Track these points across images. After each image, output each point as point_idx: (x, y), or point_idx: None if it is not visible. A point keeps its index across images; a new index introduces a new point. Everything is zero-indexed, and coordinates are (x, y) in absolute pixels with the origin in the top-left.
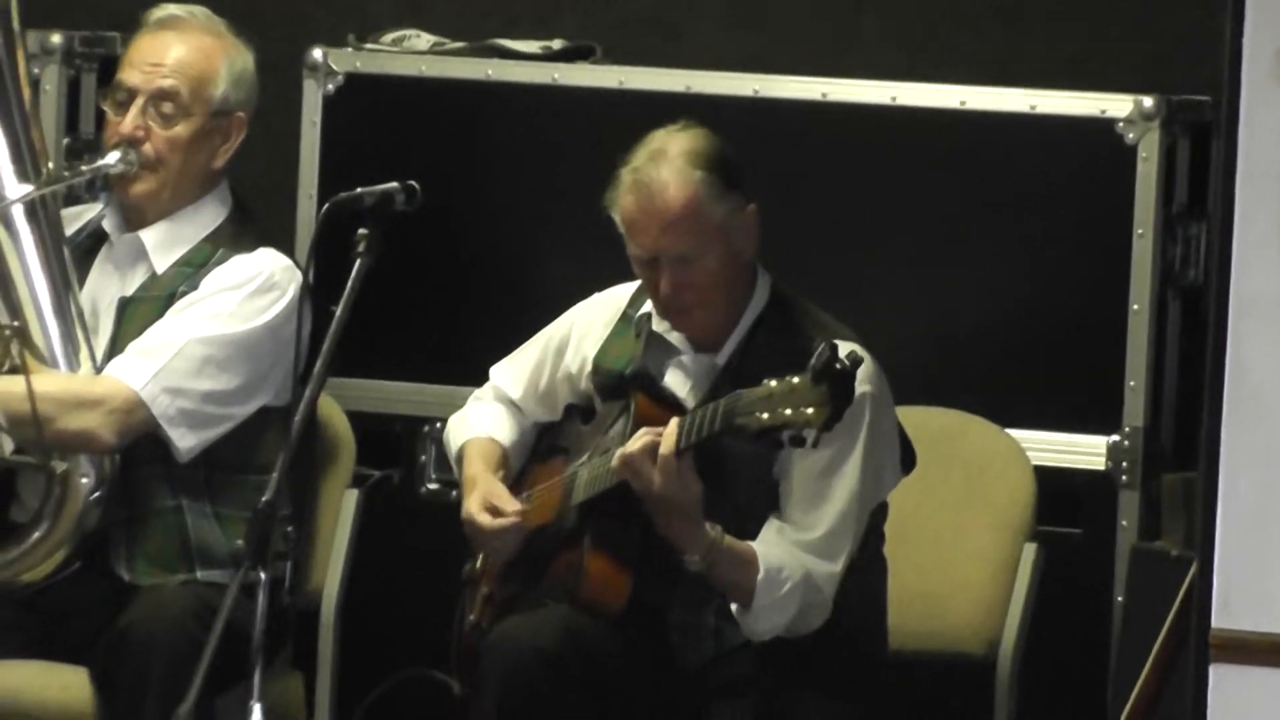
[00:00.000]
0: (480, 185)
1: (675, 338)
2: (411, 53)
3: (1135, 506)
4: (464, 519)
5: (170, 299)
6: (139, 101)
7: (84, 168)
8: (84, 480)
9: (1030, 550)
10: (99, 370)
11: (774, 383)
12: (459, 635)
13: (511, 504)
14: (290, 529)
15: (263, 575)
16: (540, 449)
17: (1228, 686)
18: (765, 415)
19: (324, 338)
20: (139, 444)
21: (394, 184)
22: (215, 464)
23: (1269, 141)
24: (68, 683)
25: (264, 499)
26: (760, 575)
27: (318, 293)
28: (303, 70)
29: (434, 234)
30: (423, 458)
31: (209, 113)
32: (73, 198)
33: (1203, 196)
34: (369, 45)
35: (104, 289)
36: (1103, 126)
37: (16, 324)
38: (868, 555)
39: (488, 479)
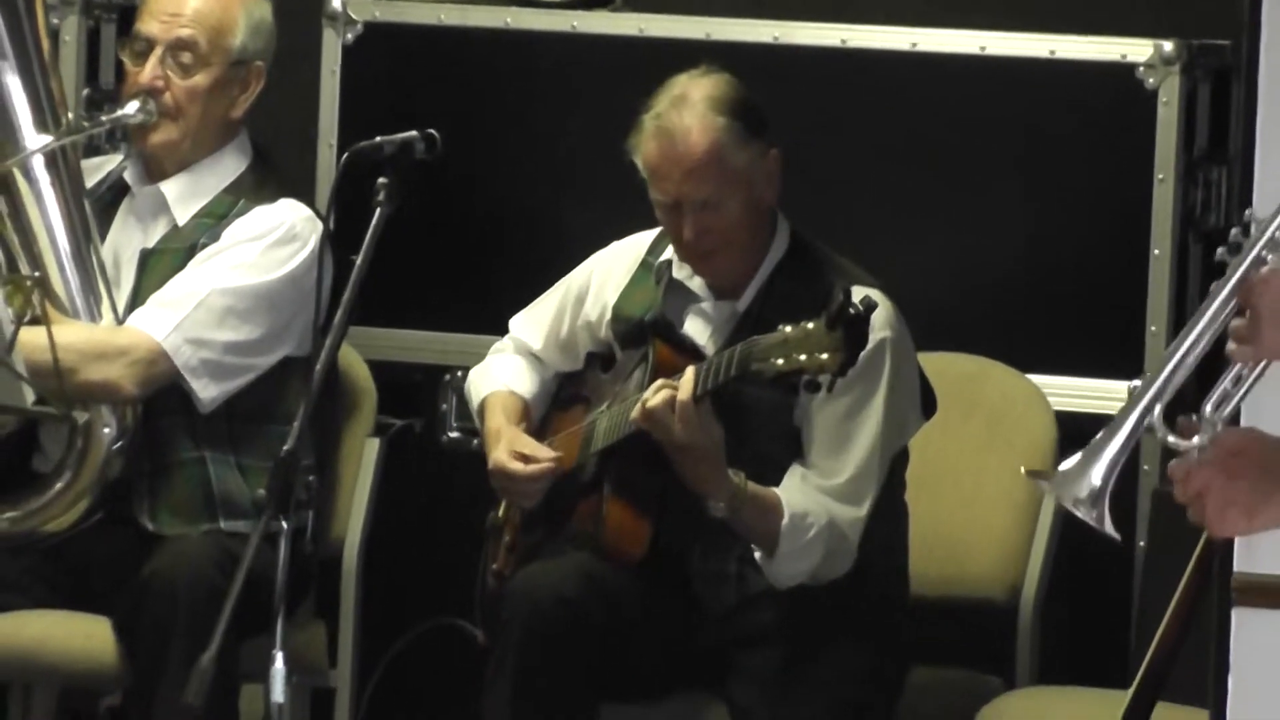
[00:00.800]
0: (499, 133)
1: (696, 284)
2: (430, 1)
3: (1157, 451)
4: (493, 469)
5: (192, 250)
6: (157, 51)
7: (103, 118)
8: (106, 431)
9: (1052, 496)
10: (120, 322)
11: (789, 328)
12: (482, 584)
13: (542, 451)
14: (312, 478)
15: (285, 524)
16: (560, 397)
17: (1251, 630)
18: (780, 361)
19: (345, 287)
20: (161, 395)
21: (414, 133)
22: (237, 414)
23: None
24: (91, 632)
25: (286, 448)
26: (785, 521)
27: (338, 242)
28: (322, 19)
29: (454, 182)
30: (444, 406)
31: (227, 62)
32: (93, 148)
33: (1223, 141)
34: None
35: (126, 241)
36: (1123, 71)
37: (37, 275)
38: (889, 502)
39: (511, 429)
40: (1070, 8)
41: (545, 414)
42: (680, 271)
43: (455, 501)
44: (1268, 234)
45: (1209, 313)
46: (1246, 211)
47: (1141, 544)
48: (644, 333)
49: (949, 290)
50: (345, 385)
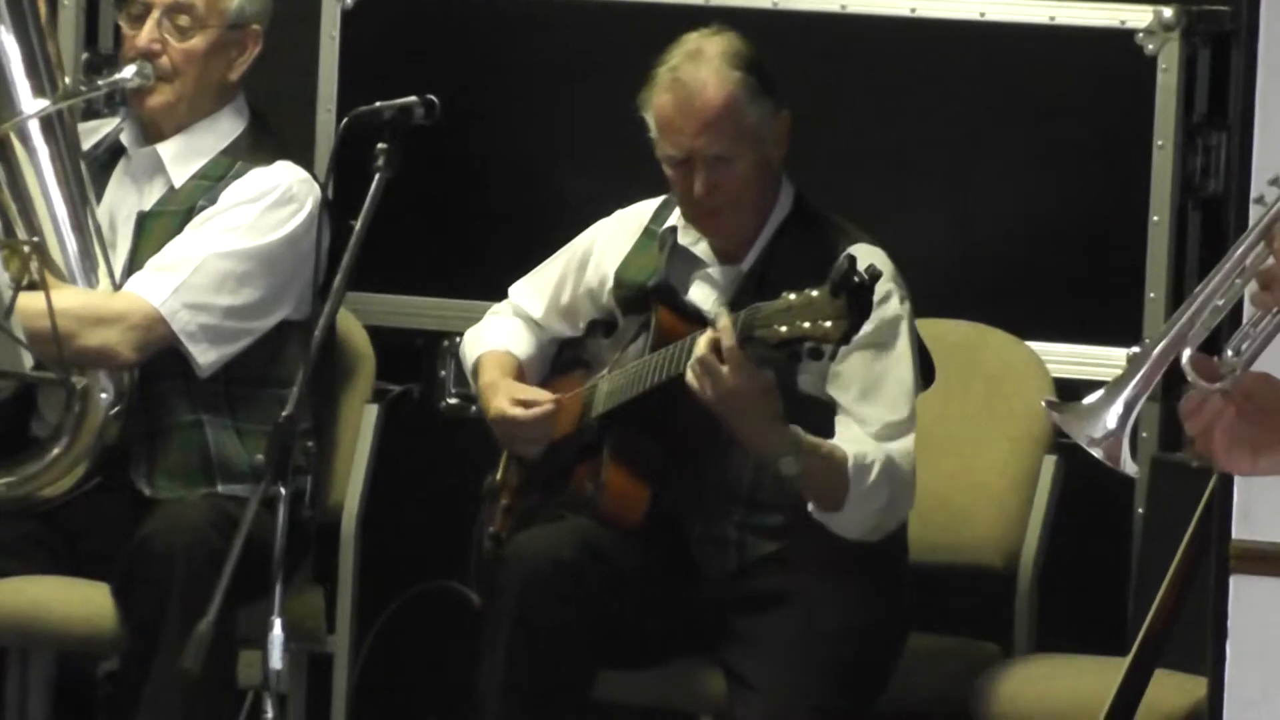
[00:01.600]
0: (499, 98)
1: (701, 249)
2: None
3: (1155, 418)
4: (494, 418)
5: (189, 213)
6: (154, 15)
7: (100, 82)
8: (103, 395)
9: (1050, 462)
10: (118, 286)
11: (792, 295)
12: (478, 547)
13: (542, 394)
14: (310, 443)
15: (283, 489)
16: (560, 362)
17: (1248, 597)
18: (783, 328)
19: (343, 252)
20: (159, 359)
21: (413, 97)
22: (235, 378)
23: None
24: (89, 597)
25: (284, 413)
26: (850, 463)
27: (337, 207)
28: None
29: (453, 148)
30: (442, 372)
31: (224, 25)
32: (92, 112)
33: (1223, 107)
34: None
35: (121, 203)
36: (1122, 37)
37: (35, 240)
38: None
39: (508, 380)
40: None
41: (544, 378)
42: (685, 237)
43: (453, 467)
44: None
45: (1235, 257)
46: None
47: (1140, 511)
48: (646, 299)
49: (948, 257)
50: (344, 350)
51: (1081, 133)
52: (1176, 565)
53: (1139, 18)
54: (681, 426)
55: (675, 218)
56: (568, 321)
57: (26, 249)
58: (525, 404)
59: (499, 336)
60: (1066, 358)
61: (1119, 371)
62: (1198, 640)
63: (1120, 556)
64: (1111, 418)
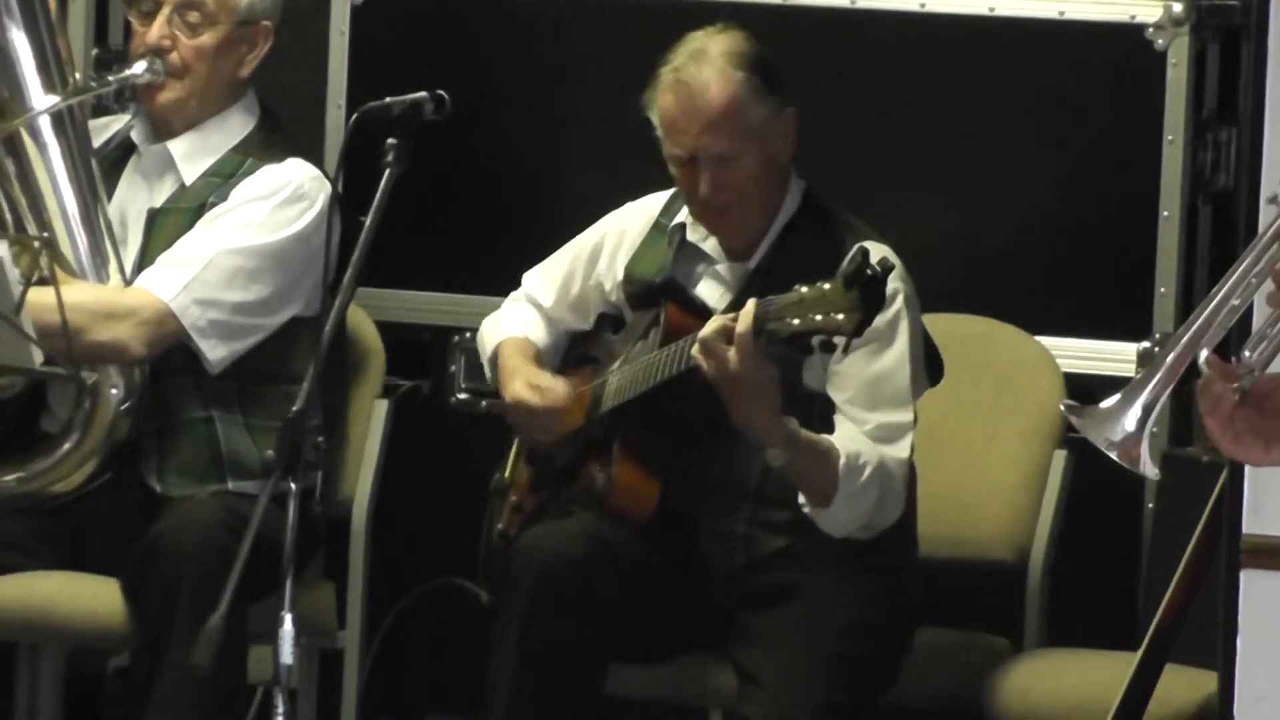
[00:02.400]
0: (509, 94)
1: (710, 246)
2: None
3: (1166, 413)
4: (510, 402)
5: (199, 210)
6: (165, 11)
7: (110, 78)
8: (114, 391)
9: (1060, 457)
10: (128, 282)
11: (805, 288)
12: (487, 544)
13: (559, 383)
14: (321, 439)
15: (293, 485)
16: (570, 357)
17: (1259, 592)
18: (796, 321)
19: (353, 248)
20: (169, 355)
21: (423, 93)
22: (246, 375)
23: None
24: (98, 593)
25: (294, 409)
26: (842, 462)
27: (347, 203)
28: None
29: (463, 143)
30: (452, 368)
31: (235, 21)
32: (102, 108)
33: (1233, 101)
34: None
35: (132, 200)
36: (1132, 32)
37: (45, 235)
38: None
39: (528, 366)
40: None
41: (556, 371)
42: (694, 234)
43: (463, 463)
44: None
45: (1251, 256)
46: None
47: (1150, 506)
48: (655, 295)
49: (957, 252)
50: (354, 346)
51: (1091, 128)
52: (1187, 560)
53: (1149, 12)
54: (690, 422)
55: (684, 214)
56: (576, 314)
57: (37, 244)
58: (541, 390)
59: (517, 323)
60: (1077, 353)
61: (1130, 366)
62: (1208, 635)
63: (1131, 551)
64: (1130, 420)
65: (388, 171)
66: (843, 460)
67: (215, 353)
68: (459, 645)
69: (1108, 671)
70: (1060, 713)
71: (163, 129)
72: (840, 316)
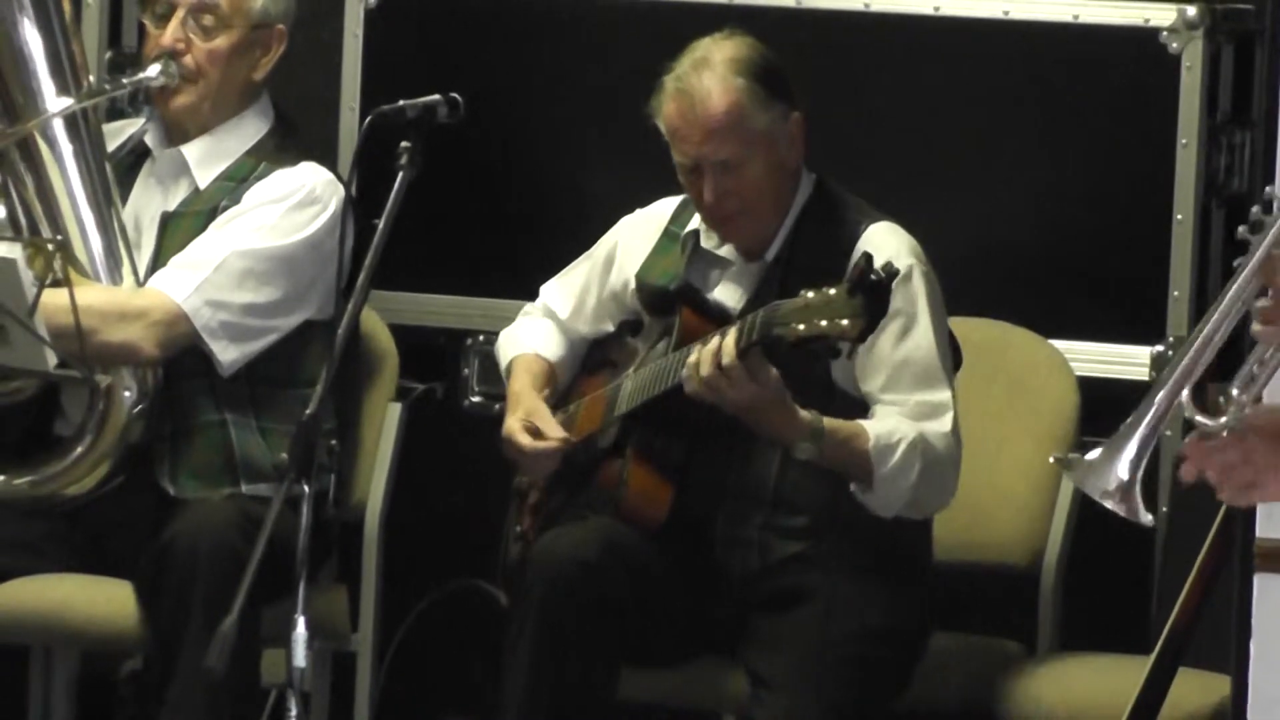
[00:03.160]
0: (522, 97)
1: (725, 251)
2: None
3: (1180, 416)
4: (504, 436)
5: (213, 213)
6: (179, 14)
7: (124, 80)
8: (127, 394)
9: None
10: (141, 285)
11: (810, 293)
12: (506, 546)
13: (553, 428)
14: (334, 442)
15: (306, 488)
16: (589, 361)
17: (1272, 595)
18: (801, 326)
19: (367, 251)
20: (182, 358)
21: (436, 96)
22: (259, 378)
23: None
24: (112, 596)
25: (308, 412)
26: (871, 442)
27: (360, 206)
28: None
29: (477, 146)
30: (466, 371)
31: (249, 25)
32: (116, 112)
33: (1247, 105)
34: None
35: (146, 204)
36: (1146, 36)
37: (59, 238)
38: None
39: (531, 398)
40: None
41: (575, 378)
42: (708, 241)
43: (476, 466)
44: None
45: (1231, 292)
46: (1268, 189)
47: (1164, 510)
48: (670, 301)
49: (971, 255)
50: (367, 349)
51: (1105, 131)
52: (1200, 563)
53: (1163, 16)
54: (704, 426)
55: (696, 220)
56: (596, 324)
57: (51, 247)
58: (535, 432)
59: (531, 339)
60: (1090, 356)
61: (1143, 370)
62: (1221, 638)
63: (1144, 555)
64: (1123, 468)
65: (401, 174)
66: (872, 441)
67: (227, 354)
68: (472, 649)
69: (1121, 676)
70: (1074, 717)
71: (177, 133)
72: (845, 322)
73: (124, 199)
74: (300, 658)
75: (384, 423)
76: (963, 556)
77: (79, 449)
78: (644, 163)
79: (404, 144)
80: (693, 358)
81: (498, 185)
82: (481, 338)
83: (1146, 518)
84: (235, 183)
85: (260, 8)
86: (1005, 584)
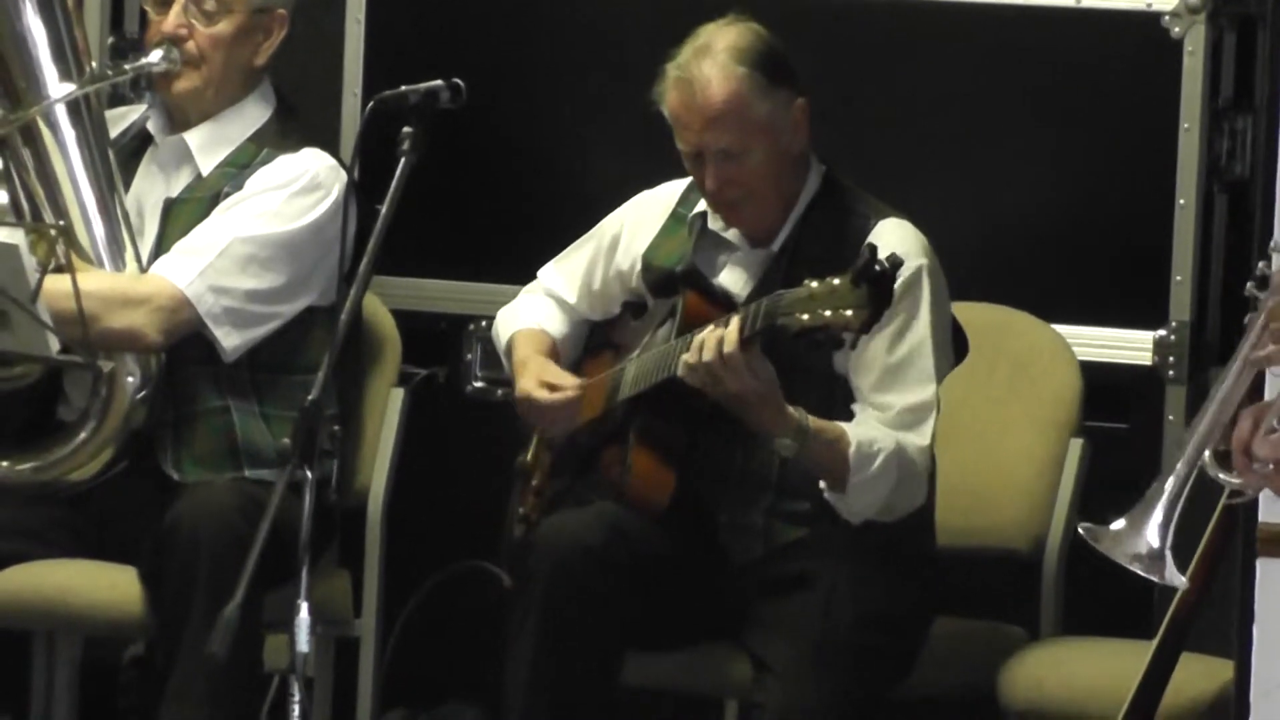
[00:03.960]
0: (525, 82)
1: (732, 234)
2: None
3: (1182, 401)
4: (519, 398)
5: (215, 199)
6: None
7: (126, 66)
8: (130, 379)
9: (1076, 446)
10: (144, 271)
11: (814, 283)
12: (510, 527)
13: (568, 379)
14: (336, 428)
15: (309, 474)
16: (591, 344)
17: (1275, 581)
18: (805, 316)
19: (369, 236)
20: (185, 344)
21: (439, 81)
22: (261, 364)
23: None
24: (115, 581)
25: (310, 398)
26: (852, 449)
27: (362, 191)
28: None
29: (479, 132)
30: (468, 356)
31: (250, 9)
32: (119, 98)
33: (1249, 90)
34: None
35: (149, 191)
36: (1148, 20)
37: (61, 223)
38: None
39: (539, 360)
40: None
41: (577, 359)
42: (715, 223)
43: (479, 451)
44: None
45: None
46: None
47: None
48: (675, 283)
49: (974, 240)
50: (369, 335)
51: (1108, 116)
52: (1203, 549)
53: (1165, 1)
54: (708, 411)
55: (704, 203)
56: (600, 305)
57: (53, 232)
58: (551, 386)
59: (533, 315)
60: (1093, 341)
61: (1145, 354)
62: (1224, 623)
63: None
64: (1152, 535)
65: (404, 160)
66: (853, 448)
67: (229, 340)
68: (475, 633)
69: (1123, 660)
70: (1076, 702)
71: (179, 119)
72: (849, 312)
73: (127, 186)
74: (303, 643)
75: (386, 408)
76: (965, 542)
77: (82, 434)
78: (647, 147)
79: (406, 129)
80: (695, 342)
81: (500, 170)
82: (484, 323)
83: (1179, 580)
84: (238, 169)
85: None
86: (1008, 569)
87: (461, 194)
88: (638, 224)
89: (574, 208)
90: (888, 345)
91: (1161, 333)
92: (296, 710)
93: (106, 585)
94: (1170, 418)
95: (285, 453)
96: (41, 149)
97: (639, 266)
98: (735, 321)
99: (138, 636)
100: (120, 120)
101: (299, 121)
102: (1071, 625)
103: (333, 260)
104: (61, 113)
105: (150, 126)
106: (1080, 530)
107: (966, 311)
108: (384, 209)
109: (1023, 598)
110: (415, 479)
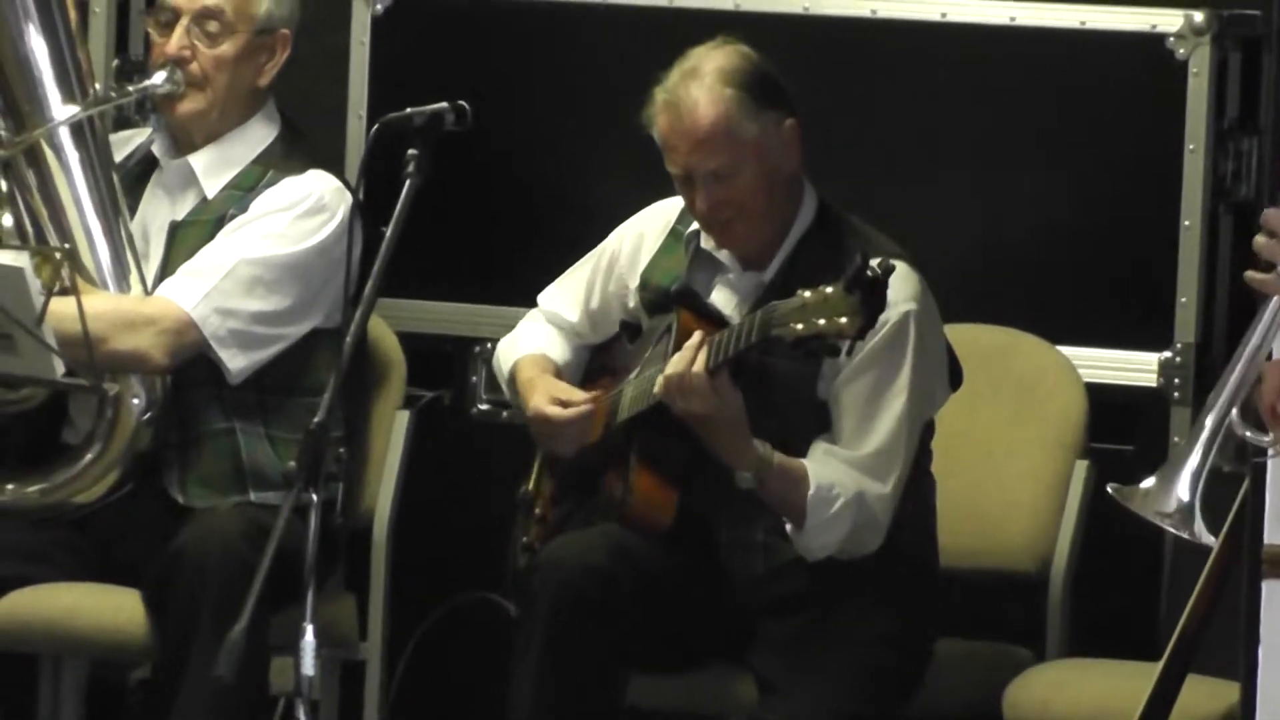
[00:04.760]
0: (529, 104)
1: (724, 255)
2: None
3: (1187, 423)
4: (533, 416)
5: (220, 222)
6: (183, 21)
7: (130, 88)
8: (135, 402)
9: (1082, 468)
10: (149, 293)
11: (807, 293)
12: (514, 557)
13: (579, 394)
14: (342, 450)
15: (315, 497)
16: (590, 370)
17: None
18: (800, 325)
19: (374, 259)
20: (191, 366)
21: (444, 104)
22: (267, 386)
23: None
24: (121, 604)
25: (315, 420)
26: (811, 491)
27: (367, 214)
28: None
29: (484, 154)
30: (473, 378)
31: (253, 30)
32: (124, 120)
33: (1254, 111)
34: None
35: (154, 214)
36: (1153, 41)
37: (67, 246)
38: (916, 472)
39: (547, 379)
40: None
41: (576, 385)
42: (708, 242)
43: (485, 474)
44: None
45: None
46: None
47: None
48: (669, 302)
49: (979, 261)
50: (375, 357)
51: (1113, 137)
52: (1209, 570)
53: (1170, 22)
54: None
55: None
56: (600, 324)
57: (59, 255)
58: (563, 403)
59: (534, 342)
60: (1098, 362)
61: (1151, 376)
62: (1230, 645)
63: (1152, 561)
64: (1183, 489)
65: (409, 182)
66: (812, 490)
67: (235, 362)
68: (482, 657)
69: (1129, 681)
70: None
71: (184, 141)
72: (842, 320)
73: (132, 209)
74: (309, 666)
75: (392, 430)
76: (971, 563)
77: (87, 457)
78: (651, 169)
79: (411, 151)
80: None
81: (505, 192)
82: (489, 345)
83: (1208, 538)
84: (243, 191)
85: (264, 13)
86: (1013, 590)
87: (467, 216)
88: (637, 240)
89: (579, 229)
90: (868, 389)
91: (1167, 354)
92: None
93: (112, 608)
94: (1176, 439)
95: (291, 475)
96: (46, 171)
97: (636, 284)
98: (704, 343)
99: (143, 659)
100: (125, 144)
101: (304, 143)
102: (1077, 646)
103: (338, 282)
104: (65, 135)
105: (155, 149)
106: (1109, 490)
107: (971, 333)
108: (389, 231)
109: (1029, 619)
110: (421, 502)
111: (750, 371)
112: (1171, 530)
